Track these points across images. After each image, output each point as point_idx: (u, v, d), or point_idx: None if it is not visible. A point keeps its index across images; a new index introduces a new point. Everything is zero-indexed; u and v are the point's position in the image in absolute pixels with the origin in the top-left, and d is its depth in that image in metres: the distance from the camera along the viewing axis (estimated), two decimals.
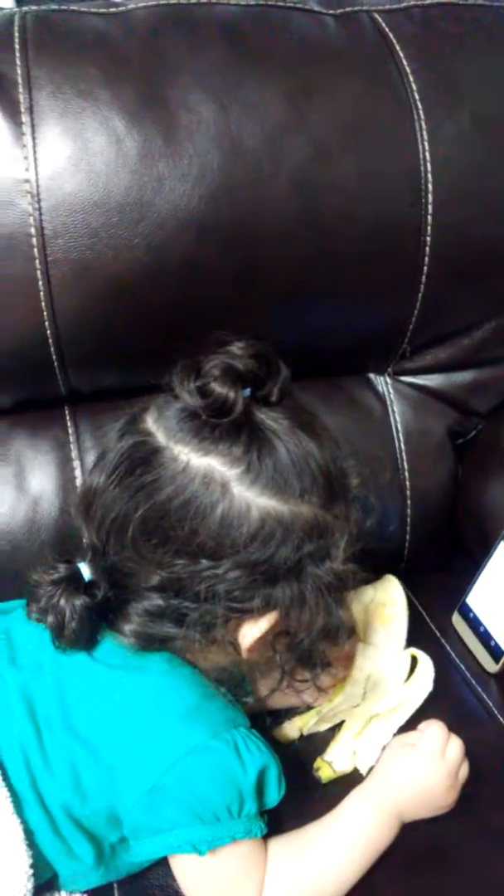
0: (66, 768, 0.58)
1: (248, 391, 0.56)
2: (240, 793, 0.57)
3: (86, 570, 0.60)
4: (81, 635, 0.59)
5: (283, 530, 0.55)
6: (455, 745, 0.64)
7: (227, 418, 0.55)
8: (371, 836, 0.62)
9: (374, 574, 0.84)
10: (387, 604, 0.78)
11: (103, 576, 0.59)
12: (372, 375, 0.89)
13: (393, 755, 0.65)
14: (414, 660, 0.76)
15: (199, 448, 0.55)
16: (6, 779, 0.58)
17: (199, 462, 0.55)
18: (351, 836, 0.61)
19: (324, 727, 0.73)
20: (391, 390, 0.89)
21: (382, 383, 0.89)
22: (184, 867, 0.59)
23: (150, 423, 0.58)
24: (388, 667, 0.74)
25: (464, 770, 0.64)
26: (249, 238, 0.72)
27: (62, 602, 0.58)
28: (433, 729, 0.64)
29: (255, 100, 0.71)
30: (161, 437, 0.57)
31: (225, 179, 0.70)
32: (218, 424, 0.55)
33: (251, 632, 0.58)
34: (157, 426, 0.57)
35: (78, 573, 0.60)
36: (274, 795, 0.60)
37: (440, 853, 0.64)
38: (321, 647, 0.61)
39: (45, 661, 0.61)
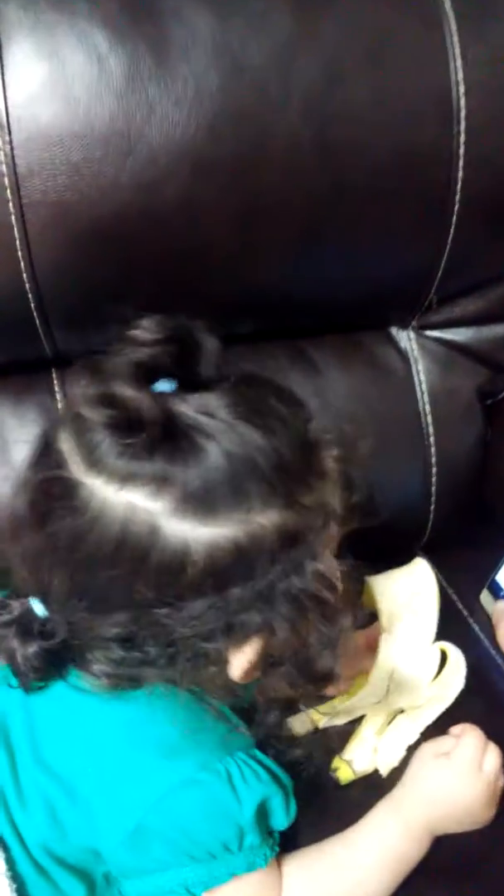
0: (41, 805, 0.52)
1: (167, 385, 0.46)
2: (238, 827, 0.51)
3: (39, 608, 0.51)
4: (42, 676, 0.51)
5: (241, 558, 0.45)
6: (493, 756, 0.58)
7: (140, 434, 0.44)
8: (400, 852, 0.56)
9: (395, 554, 0.78)
10: (416, 592, 0.71)
11: (57, 619, 0.50)
12: (394, 330, 0.81)
13: (425, 764, 0.59)
14: (444, 654, 0.69)
15: (114, 478, 0.44)
16: None
17: (117, 499, 0.44)
18: (378, 853, 0.55)
19: (341, 721, 0.67)
20: (415, 346, 0.81)
21: (406, 338, 0.81)
22: None
23: (64, 444, 0.47)
24: (414, 662, 0.67)
25: (501, 782, 0.58)
26: (253, 173, 0.63)
27: (14, 644, 0.50)
28: (470, 738, 0.58)
29: (260, 10, 0.61)
30: (74, 467, 0.46)
31: (225, 104, 0.61)
32: (132, 443, 0.44)
33: (238, 660, 0.49)
34: (71, 449, 0.46)
35: (30, 613, 0.51)
36: (282, 822, 0.54)
37: (472, 866, 0.58)
38: (328, 656, 0.51)
39: (13, 679, 0.53)
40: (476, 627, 0.77)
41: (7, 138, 0.59)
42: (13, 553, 0.50)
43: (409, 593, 0.71)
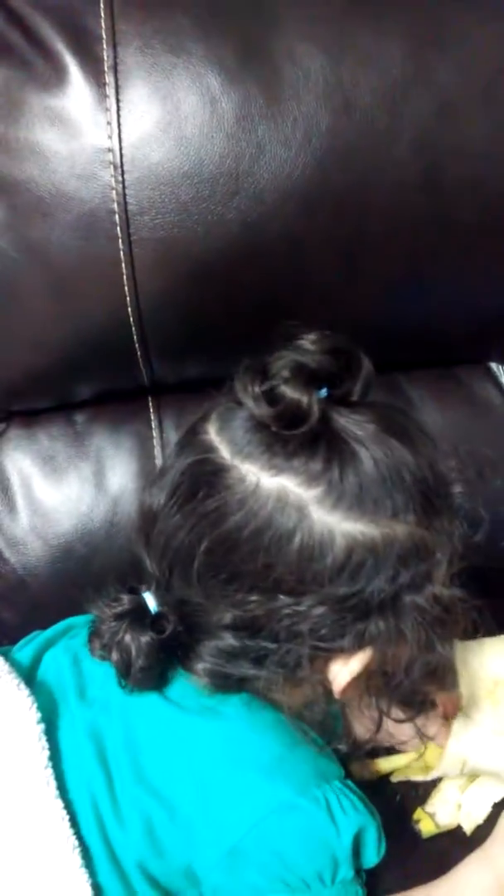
0: (139, 822, 0.52)
1: (324, 392, 0.49)
2: (333, 857, 0.50)
3: (151, 601, 0.53)
4: (150, 674, 0.52)
5: (374, 558, 0.47)
6: None
7: (300, 428, 0.47)
8: None
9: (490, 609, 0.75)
10: (501, 677, 0.64)
11: (171, 608, 0.52)
12: (494, 365, 0.79)
13: None
14: None
15: (270, 466, 0.48)
16: (75, 827, 0.51)
17: (270, 483, 0.48)
18: None
19: (416, 778, 0.65)
20: None
21: None
22: None
23: (213, 435, 0.50)
24: (490, 755, 0.61)
25: None
26: (361, 209, 0.63)
27: (127, 638, 0.51)
28: None
29: (371, 50, 0.61)
30: (225, 453, 0.49)
31: (334, 143, 0.61)
32: (291, 436, 0.47)
33: (342, 673, 0.51)
34: (221, 439, 0.50)
35: (143, 605, 0.53)
36: (373, 857, 0.53)
37: None
38: (425, 689, 0.52)
39: (113, 697, 0.54)
40: None
41: (120, 178, 0.61)
42: (137, 542, 0.53)
43: (497, 673, 0.63)
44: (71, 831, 0.51)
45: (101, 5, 0.60)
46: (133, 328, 0.67)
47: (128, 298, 0.65)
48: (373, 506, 0.47)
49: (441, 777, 0.63)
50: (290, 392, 0.47)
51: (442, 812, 0.62)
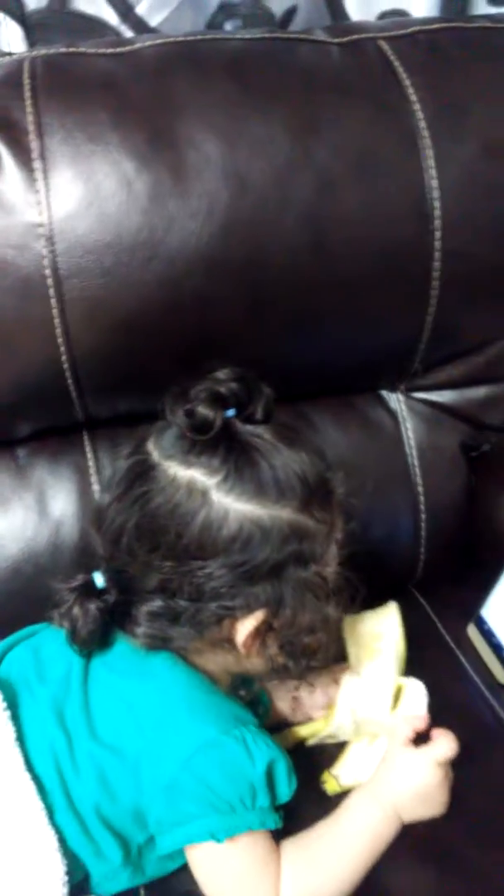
0: (93, 771, 0.63)
1: (232, 412, 0.62)
2: (251, 785, 0.61)
3: (99, 579, 0.65)
4: (94, 636, 0.64)
5: (261, 533, 0.60)
6: (450, 751, 0.67)
7: (207, 435, 0.61)
8: (377, 830, 0.65)
9: (390, 590, 0.86)
10: (381, 634, 0.77)
11: (113, 582, 0.65)
12: (384, 392, 0.90)
13: (396, 756, 0.68)
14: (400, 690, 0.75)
15: (185, 462, 0.61)
16: (41, 790, 0.62)
17: (183, 474, 0.61)
18: (359, 831, 0.65)
19: (327, 740, 0.75)
20: (404, 407, 0.90)
21: (395, 400, 0.90)
22: (202, 860, 0.62)
23: (150, 445, 0.64)
24: (371, 703, 0.73)
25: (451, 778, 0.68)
26: (259, 271, 0.73)
27: (77, 608, 0.64)
28: (443, 739, 0.68)
29: (261, 136, 0.72)
30: (156, 456, 0.63)
31: (234, 216, 0.71)
32: (201, 441, 0.61)
33: (241, 630, 0.63)
34: (154, 447, 0.64)
35: (92, 581, 0.65)
36: (284, 789, 0.63)
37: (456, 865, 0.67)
38: (312, 645, 0.65)
39: (73, 674, 0.66)
40: (462, 658, 0.84)
41: (51, 248, 0.70)
42: (92, 532, 0.67)
43: (375, 635, 0.76)
44: (36, 793, 0.62)
45: (28, 102, 0.70)
46: (67, 374, 0.76)
47: (62, 349, 0.74)
48: (261, 493, 0.61)
49: (346, 742, 0.74)
50: (202, 410, 0.61)
51: (346, 774, 0.72)
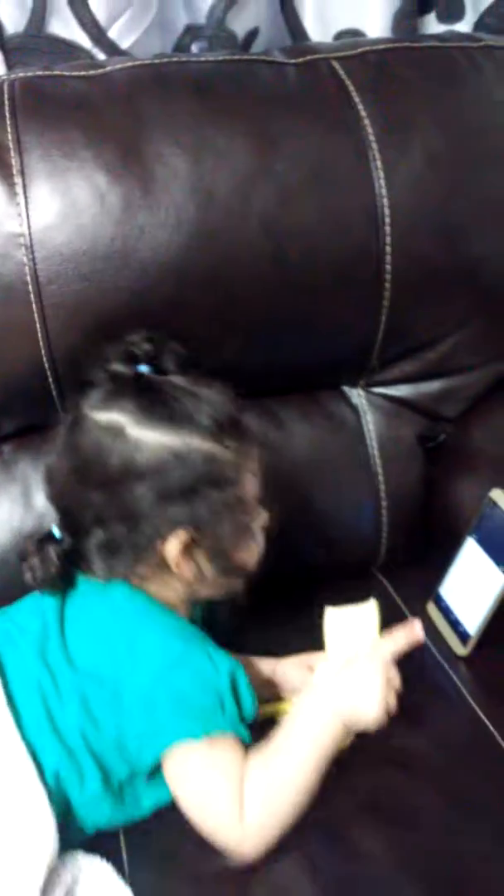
0: (76, 698, 0.68)
1: (145, 368, 0.72)
2: (218, 693, 0.67)
3: (56, 531, 0.73)
4: (56, 578, 0.72)
5: (174, 458, 0.68)
6: (391, 666, 0.72)
7: (121, 384, 0.71)
8: (321, 736, 0.69)
9: (354, 574, 0.92)
10: (356, 631, 0.78)
11: (64, 526, 0.73)
12: (346, 388, 0.95)
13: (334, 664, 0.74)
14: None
15: (105, 409, 0.71)
16: (29, 724, 0.68)
17: (103, 416, 0.70)
18: (308, 730, 0.69)
19: None
20: (364, 402, 0.95)
21: (356, 395, 0.95)
22: (178, 765, 0.65)
23: (80, 404, 0.73)
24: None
25: (395, 676, 0.73)
26: (225, 279, 0.79)
27: (38, 555, 0.72)
28: (381, 647, 0.74)
29: (224, 151, 0.78)
30: (85, 409, 0.72)
31: (200, 226, 0.77)
32: (116, 389, 0.71)
33: (171, 547, 0.70)
34: (85, 404, 0.73)
35: (51, 532, 0.73)
36: (248, 701, 0.68)
37: (417, 820, 0.71)
38: (236, 555, 0.72)
39: (49, 622, 0.72)
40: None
41: (31, 256, 0.76)
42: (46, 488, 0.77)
43: (353, 629, 0.78)
44: (18, 734, 0.67)
45: (8, 122, 0.76)
46: (49, 375, 0.81)
47: (43, 352, 0.79)
48: (172, 425, 0.69)
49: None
50: (117, 366, 0.71)
51: None
